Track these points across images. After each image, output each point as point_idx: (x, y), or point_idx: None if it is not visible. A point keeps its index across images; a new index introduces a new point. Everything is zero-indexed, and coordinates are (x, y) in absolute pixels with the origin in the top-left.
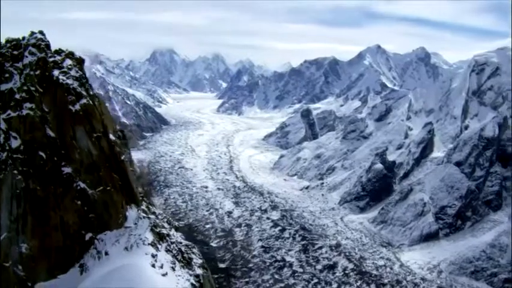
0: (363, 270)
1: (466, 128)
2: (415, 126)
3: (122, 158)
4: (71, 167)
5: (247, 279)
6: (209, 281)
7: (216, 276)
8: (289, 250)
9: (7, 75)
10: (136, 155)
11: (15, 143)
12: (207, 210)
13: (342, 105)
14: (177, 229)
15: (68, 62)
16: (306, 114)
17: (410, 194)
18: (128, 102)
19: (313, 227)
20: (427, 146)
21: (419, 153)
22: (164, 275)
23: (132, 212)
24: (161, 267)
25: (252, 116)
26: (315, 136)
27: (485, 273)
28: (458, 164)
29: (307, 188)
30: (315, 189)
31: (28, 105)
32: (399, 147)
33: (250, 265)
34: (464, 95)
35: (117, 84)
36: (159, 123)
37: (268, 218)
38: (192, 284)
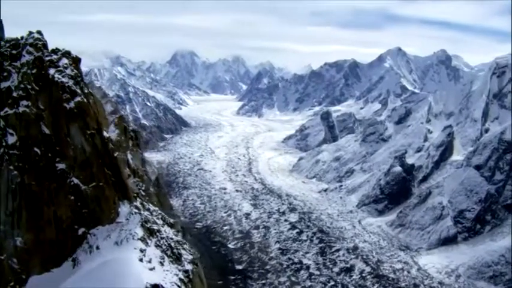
0: (380, 273)
1: (487, 131)
2: (434, 129)
3: (115, 155)
4: (65, 163)
5: (264, 281)
6: (199, 277)
7: (232, 277)
8: (307, 252)
9: (6, 73)
10: (155, 157)
11: (11, 139)
12: (225, 212)
13: (362, 108)
14: (172, 226)
15: (64, 61)
16: (326, 116)
17: (429, 198)
18: (148, 104)
19: (331, 229)
20: (446, 149)
21: (438, 156)
22: (151, 269)
23: (124, 208)
24: (149, 261)
25: (271, 118)
26: (334, 139)
27: (503, 278)
28: (477, 167)
29: (325, 190)
30: (334, 191)
31: (24, 102)
32: (418, 150)
33: (267, 267)
34: (484, 97)
35: (137, 86)
36: (179, 125)
37: (286, 220)
38: (180, 279)
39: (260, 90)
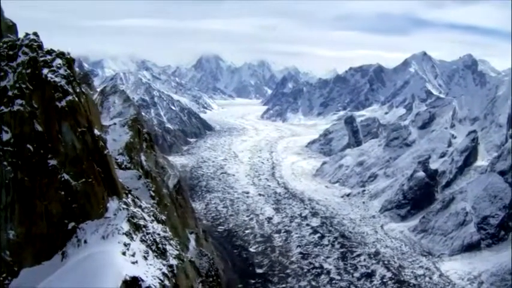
0: (401, 279)
1: None
2: (459, 134)
3: (105, 152)
4: (56, 159)
5: (284, 285)
6: (185, 272)
7: (253, 281)
8: (328, 257)
9: (2, 73)
10: (179, 160)
11: (6, 136)
12: (247, 216)
13: (386, 113)
14: (164, 223)
15: (58, 61)
16: (350, 121)
17: (452, 203)
18: (173, 107)
19: (353, 234)
20: (470, 155)
21: (462, 161)
22: (134, 262)
23: (113, 203)
24: (133, 255)
25: (296, 122)
26: (358, 143)
27: None
28: (502, 173)
29: (348, 195)
30: (356, 196)
31: (19, 101)
32: (442, 155)
33: (288, 271)
34: (510, 102)
35: (162, 90)
36: (203, 128)
37: (308, 225)
38: (163, 273)
39: (285, 95)
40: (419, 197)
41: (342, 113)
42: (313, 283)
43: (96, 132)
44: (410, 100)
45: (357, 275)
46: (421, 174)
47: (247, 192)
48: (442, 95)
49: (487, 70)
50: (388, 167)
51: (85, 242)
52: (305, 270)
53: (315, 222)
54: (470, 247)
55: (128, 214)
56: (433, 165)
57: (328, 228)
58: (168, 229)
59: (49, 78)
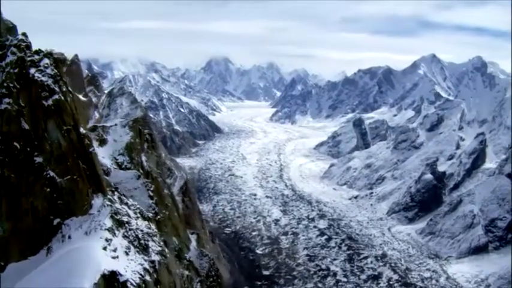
0: (408, 281)
1: None
2: (467, 136)
3: (91, 150)
4: (42, 157)
5: (290, 287)
6: (167, 269)
7: (259, 283)
8: (334, 259)
9: None
10: (187, 162)
11: None
12: (255, 218)
13: (395, 115)
14: (149, 220)
15: (45, 61)
16: (358, 123)
17: (459, 206)
18: (182, 110)
19: (360, 236)
20: (478, 157)
21: (470, 164)
22: (114, 257)
23: (97, 200)
24: (114, 250)
25: (304, 125)
26: (366, 146)
27: None
28: (510, 175)
29: (356, 197)
30: (364, 198)
31: (7, 100)
32: (450, 157)
33: (294, 273)
34: None
35: (171, 92)
36: (211, 131)
37: (315, 227)
38: (145, 268)
39: (294, 97)
40: (426, 200)
41: (350, 115)
42: (320, 285)
43: (82, 130)
44: (419, 102)
45: (363, 277)
46: (428, 176)
47: (255, 194)
48: (451, 97)
49: (496, 72)
50: (396, 170)
51: (69, 237)
52: (311, 272)
53: (322, 224)
54: (478, 250)
55: (112, 211)
56: (441, 168)
57: (336, 230)
58: (153, 226)
59: (36, 78)
